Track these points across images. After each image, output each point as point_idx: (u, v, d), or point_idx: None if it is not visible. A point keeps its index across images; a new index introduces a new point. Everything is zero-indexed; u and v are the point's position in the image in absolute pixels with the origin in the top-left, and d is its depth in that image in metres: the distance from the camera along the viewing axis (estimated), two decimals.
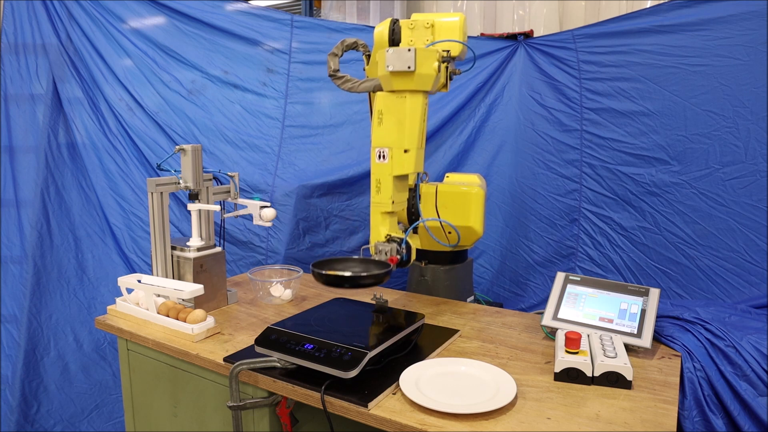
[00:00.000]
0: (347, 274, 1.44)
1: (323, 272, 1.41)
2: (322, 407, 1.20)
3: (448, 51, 1.60)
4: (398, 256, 1.52)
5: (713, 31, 1.91)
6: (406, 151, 1.52)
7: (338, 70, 1.76)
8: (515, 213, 2.35)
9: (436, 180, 2.19)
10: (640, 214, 2.08)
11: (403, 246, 1.52)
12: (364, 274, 1.42)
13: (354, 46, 1.80)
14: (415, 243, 1.88)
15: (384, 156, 1.53)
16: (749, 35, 1.85)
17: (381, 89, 1.57)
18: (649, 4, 2.43)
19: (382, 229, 1.56)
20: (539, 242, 2.30)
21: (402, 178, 1.59)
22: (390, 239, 1.55)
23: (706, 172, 1.95)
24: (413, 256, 1.59)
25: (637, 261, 2.09)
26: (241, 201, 1.88)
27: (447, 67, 1.63)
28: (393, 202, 1.54)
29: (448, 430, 1.08)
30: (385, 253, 1.52)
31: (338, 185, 2.39)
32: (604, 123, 2.14)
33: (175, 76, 2.48)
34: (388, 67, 1.47)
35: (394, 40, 1.67)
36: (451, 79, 1.67)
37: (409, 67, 1.45)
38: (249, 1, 2.83)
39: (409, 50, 1.45)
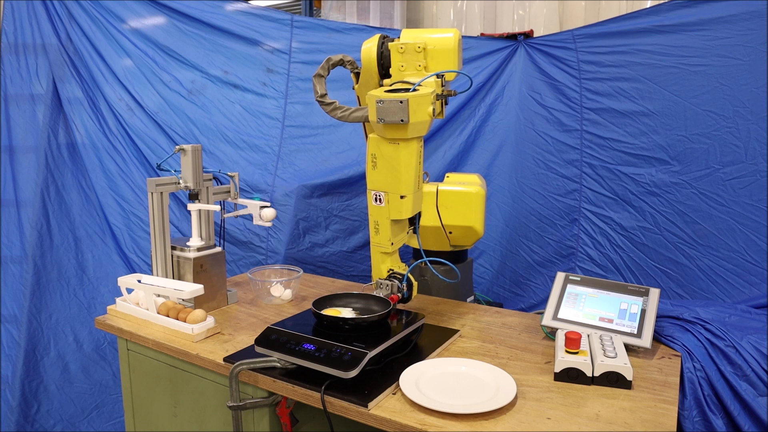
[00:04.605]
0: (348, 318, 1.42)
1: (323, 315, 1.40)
2: (322, 407, 1.20)
3: (442, 77, 1.47)
4: (399, 294, 1.51)
5: (713, 31, 1.91)
6: (402, 197, 1.45)
7: (326, 95, 1.57)
8: (515, 213, 2.35)
9: (436, 180, 2.19)
10: (640, 214, 2.08)
11: (404, 284, 1.52)
12: (366, 317, 1.40)
13: (341, 64, 1.62)
14: (414, 243, 1.88)
15: (380, 200, 1.47)
16: (749, 35, 1.85)
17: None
18: (649, 4, 2.43)
19: (383, 267, 1.54)
20: (539, 242, 2.30)
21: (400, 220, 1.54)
22: (392, 275, 1.53)
23: (706, 172, 1.94)
24: (414, 292, 1.58)
25: (637, 261, 2.09)
26: (241, 201, 1.88)
27: (442, 102, 1.51)
28: (392, 243, 1.51)
29: (448, 430, 1.08)
30: (386, 288, 1.52)
31: (338, 185, 2.39)
32: (604, 123, 2.14)
33: (175, 76, 2.48)
34: (379, 120, 1.35)
35: (383, 64, 1.54)
36: (446, 103, 1.55)
37: (401, 120, 1.33)
38: (249, 1, 2.83)
39: (401, 102, 1.31)
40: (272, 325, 1.40)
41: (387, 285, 1.53)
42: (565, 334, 1.32)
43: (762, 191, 1.84)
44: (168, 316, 1.59)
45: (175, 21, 2.49)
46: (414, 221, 1.62)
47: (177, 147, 1.75)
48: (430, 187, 1.80)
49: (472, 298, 1.98)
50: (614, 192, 2.13)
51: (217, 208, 1.74)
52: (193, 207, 1.77)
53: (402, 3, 3.00)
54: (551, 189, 2.26)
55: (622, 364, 1.23)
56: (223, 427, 1.47)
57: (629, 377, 1.23)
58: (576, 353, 1.29)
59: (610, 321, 1.46)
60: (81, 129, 2.43)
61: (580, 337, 1.31)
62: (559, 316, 1.51)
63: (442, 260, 1.73)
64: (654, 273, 2.06)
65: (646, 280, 2.07)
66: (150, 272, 1.96)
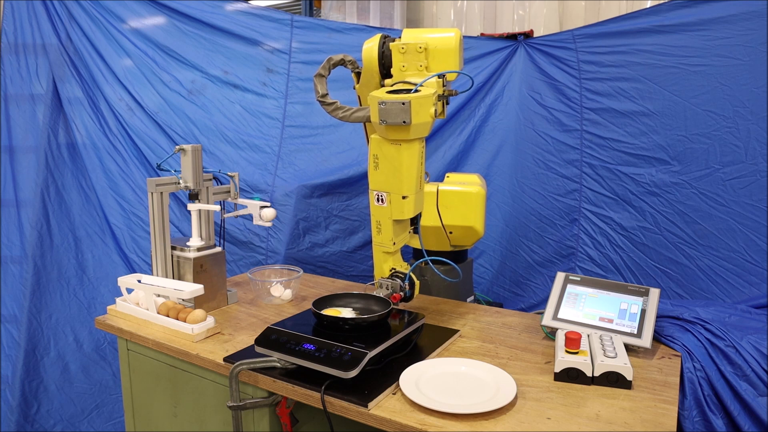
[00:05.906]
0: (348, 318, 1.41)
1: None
2: (322, 407, 1.20)
3: (443, 77, 1.47)
4: (401, 293, 1.52)
5: (713, 31, 1.91)
6: (404, 197, 1.45)
7: (327, 94, 1.56)
8: (515, 213, 2.35)
9: (436, 180, 2.19)
10: (640, 214, 2.08)
11: (406, 283, 1.53)
12: (366, 317, 1.40)
13: (342, 63, 1.62)
14: (415, 243, 1.88)
15: (382, 200, 1.47)
16: (749, 35, 1.85)
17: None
18: (649, 4, 2.43)
19: (385, 266, 1.55)
20: (539, 242, 2.30)
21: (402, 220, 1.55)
22: (394, 274, 1.54)
23: (706, 172, 1.94)
24: (416, 292, 1.59)
25: (637, 261, 2.09)
26: (241, 201, 1.88)
27: (444, 102, 1.51)
28: (394, 243, 1.52)
29: (448, 430, 1.08)
30: (387, 287, 1.53)
31: (338, 185, 2.39)
32: (604, 123, 2.14)
33: (175, 76, 2.48)
34: (381, 122, 1.35)
35: (384, 64, 1.53)
36: (447, 103, 1.55)
37: (404, 122, 1.33)
38: (249, 1, 2.83)
39: (404, 103, 1.31)
40: (272, 325, 1.40)
41: (389, 284, 1.53)
42: (565, 334, 1.32)
43: (762, 191, 1.84)
44: (168, 316, 1.59)
45: (175, 21, 2.49)
46: (415, 221, 1.62)
47: (177, 147, 1.75)
48: (430, 187, 1.80)
49: (472, 298, 1.98)
50: (614, 192, 2.13)
51: (217, 208, 1.74)
52: (193, 207, 1.77)
53: (402, 3, 3.00)
54: (551, 189, 2.26)
55: (622, 364, 1.23)
56: (223, 427, 1.47)
57: (629, 377, 1.23)
58: (576, 353, 1.29)
59: (610, 321, 1.46)
60: (81, 129, 2.43)
61: (580, 337, 1.31)
62: (559, 316, 1.51)
63: (444, 259, 1.73)
64: (654, 273, 2.06)
65: (646, 280, 2.07)
66: (150, 272, 1.96)
